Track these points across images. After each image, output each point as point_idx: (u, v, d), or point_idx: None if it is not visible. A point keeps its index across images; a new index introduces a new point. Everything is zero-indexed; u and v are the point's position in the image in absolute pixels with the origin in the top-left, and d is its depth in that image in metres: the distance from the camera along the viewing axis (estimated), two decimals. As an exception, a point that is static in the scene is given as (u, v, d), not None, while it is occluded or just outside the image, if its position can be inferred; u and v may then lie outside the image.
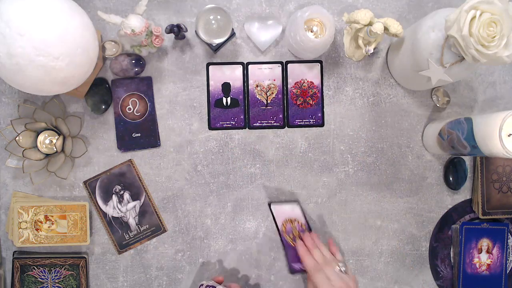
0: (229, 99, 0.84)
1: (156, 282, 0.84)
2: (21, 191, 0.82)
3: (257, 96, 0.84)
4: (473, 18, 0.62)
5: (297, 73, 0.85)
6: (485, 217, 0.85)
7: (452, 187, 0.86)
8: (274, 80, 0.84)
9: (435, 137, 0.81)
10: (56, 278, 0.82)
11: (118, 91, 0.82)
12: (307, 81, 0.85)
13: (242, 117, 0.84)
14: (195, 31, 0.78)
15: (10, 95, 0.82)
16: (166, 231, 0.84)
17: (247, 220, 0.84)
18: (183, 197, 0.84)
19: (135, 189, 0.82)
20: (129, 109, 0.83)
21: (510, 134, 0.65)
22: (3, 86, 0.82)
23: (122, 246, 0.83)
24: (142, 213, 0.83)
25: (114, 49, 0.80)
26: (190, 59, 0.84)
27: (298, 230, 0.82)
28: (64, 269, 0.82)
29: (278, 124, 0.84)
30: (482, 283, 0.85)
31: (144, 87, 0.83)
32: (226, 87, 0.84)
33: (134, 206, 0.83)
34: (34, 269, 0.81)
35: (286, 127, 0.85)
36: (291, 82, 0.84)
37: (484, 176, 0.85)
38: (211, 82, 0.84)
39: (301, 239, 0.80)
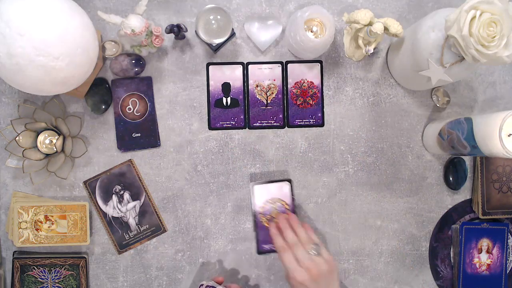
0: (229, 99, 0.84)
1: (156, 282, 0.84)
2: (21, 191, 0.82)
3: (257, 96, 0.84)
4: (473, 18, 0.62)
5: (297, 73, 0.85)
6: (485, 217, 0.85)
7: (452, 187, 0.86)
8: (274, 80, 0.84)
9: (435, 137, 0.81)
10: (56, 278, 0.82)
11: (118, 91, 0.82)
12: (307, 81, 0.85)
13: (242, 117, 0.84)
14: (195, 31, 0.78)
15: (10, 95, 0.82)
16: (166, 231, 0.84)
17: (247, 220, 0.84)
18: (183, 197, 0.84)
19: (135, 189, 0.83)
20: (129, 109, 0.83)
21: (510, 134, 0.65)
22: (3, 86, 0.82)
23: (122, 246, 0.83)
24: (142, 213, 0.83)
25: (114, 49, 0.80)
26: (190, 59, 0.84)
27: (279, 211, 0.81)
28: (64, 269, 0.82)
29: (278, 124, 0.84)
30: (482, 283, 0.85)
31: (144, 87, 0.83)
32: (226, 87, 0.84)
33: (134, 206, 0.83)
34: (34, 269, 0.81)
35: (286, 127, 0.85)
36: (291, 82, 0.84)
37: (484, 176, 0.85)
38: (211, 82, 0.84)
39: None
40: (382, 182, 0.86)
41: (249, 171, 0.84)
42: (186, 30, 0.78)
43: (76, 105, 0.83)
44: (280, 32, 0.83)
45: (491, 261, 0.86)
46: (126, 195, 0.82)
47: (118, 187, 0.82)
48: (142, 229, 0.83)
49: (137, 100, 0.83)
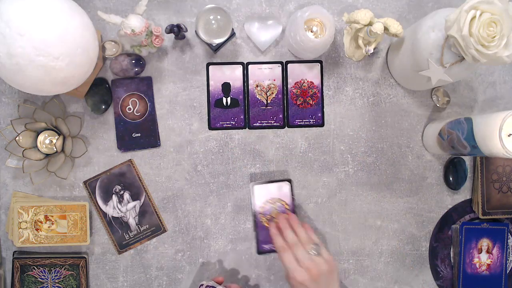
0: (229, 99, 0.84)
1: (156, 282, 0.84)
2: (21, 191, 0.82)
3: (257, 96, 0.84)
4: (473, 18, 0.62)
5: (297, 73, 0.85)
6: (485, 217, 0.85)
7: (452, 187, 0.86)
8: (274, 80, 0.84)
9: (435, 137, 0.81)
10: (56, 278, 0.82)
11: (118, 91, 0.82)
12: (307, 81, 0.85)
13: (242, 117, 0.84)
14: (195, 31, 0.78)
15: (10, 95, 0.82)
16: (166, 231, 0.84)
17: (247, 220, 0.84)
18: (183, 197, 0.84)
19: (135, 189, 0.83)
20: (129, 109, 0.83)
21: (510, 134, 0.65)
22: (3, 86, 0.82)
23: (122, 246, 0.83)
24: (142, 213, 0.83)
25: (114, 49, 0.80)
26: (190, 59, 0.84)
27: (279, 211, 0.81)
28: (64, 269, 0.82)
29: (278, 124, 0.84)
30: (482, 283, 0.85)
31: (144, 87, 0.83)
32: (226, 87, 0.84)
33: (134, 206, 0.83)
34: (34, 269, 0.81)
35: (286, 127, 0.85)
36: (291, 82, 0.84)
37: (484, 176, 0.85)
38: (211, 82, 0.84)
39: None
40: (382, 182, 0.86)
41: (249, 171, 0.84)
42: (186, 30, 0.78)
43: (76, 105, 0.83)
44: (280, 32, 0.83)
45: (491, 261, 0.86)
46: (126, 195, 0.82)
47: (118, 187, 0.82)
48: (142, 229, 0.83)
49: (137, 100, 0.83)
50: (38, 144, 0.80)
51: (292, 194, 0.83)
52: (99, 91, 0.81)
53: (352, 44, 0.81)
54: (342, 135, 0.85)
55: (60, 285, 0.82)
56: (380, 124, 0.86)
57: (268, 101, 0.84)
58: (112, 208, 0.82)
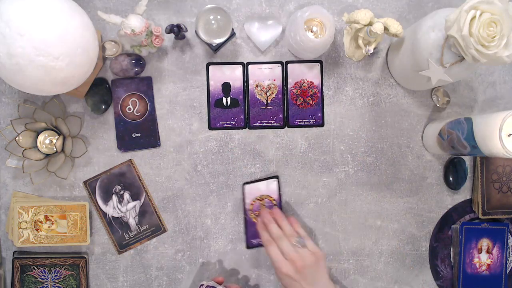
0: (229, 99, 0.84)
1: (156, 282, 0.84)
2: (21, 191, 0.82)
3: (257, 96, 0.84)
4: (473, 18, 0.62)
5: (297, 73, 0.85)
6: (485, 217, 0.85)
7: (452, 187, 0.86)
8: (274, 80, 0.84)
9: (435, 137, 0.81)
10: (56, 278, 0.82)
11: (118, 91, 0.82)
12: (307, 81, 0.85)
13: (242, 117, 0.84)
14: (195, 31, 0.78)
15: (10, 95, 0.82)
16: (166, 231, 0.84)
17: (247, 220, 0.84)
18: (183, 197, 0.84)
19: (135, 189, 0.83)
20: (129, 109, 0.83)
21: (510, 134, 0.65)
22: (3, 86, 0.82)
23: (122, 246, 0.83)
24: (142, 213, 0.83)
25: (114, 49, 0.80)
26: (190, 59, 0.84)
27: (267, 206, 0.82)
28: (64, 269, 0.82)
29: (278, 124, 0.84)
30: (482, 283, 0.85)
31: (144, 87, 0.83)
32: (226, 87, 0.84)
33: (134, 206, 0.83)
34: (34, 269, 0.81)
35: (286, 127, 0.85)
36: (291, 82, 0.84)
37: (484, 176, 0.85)
38: (211, 82, 0.84)
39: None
40: (382, 182, 0.86)
41: (249, 171, 0.84)
42: (186, 30, 0.78)
43: (76, 105, 0.83)
44: (280, 32, 0.83)
45: (491, 261, 0.86)
46: (126, 195, 0.82)
47: (118, 187, 0.82)
48: (142, 229, 0.83)
49: (137, 100, 0.83)
50: (38, 144, 0.80)
51: (279, 190, 0.83)
52: (99, 91, 0.81)
53: (352, 44, 0.81)
54: (342, 135, 0.85)
55: (60, 285, 0.82)
56: (380, 124, 0.86)
57: (268, 101, 0.84)
58: (112, 208, 0.82)
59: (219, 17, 0.77)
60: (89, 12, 0.78)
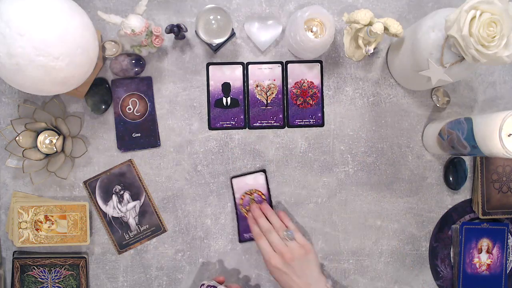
0: (229, 99, 0.84)
1: (156, 282, 0.84)
2: (21, 191, 0.82)
3: (257, 96, 0.84)
4: (473, 18, 0.62)
5: (297, 73, 0.85)
6: (485, 217, 0.85)
7: (452, 187, 0.86)
8: (274, 80, 0.84)
9: (435, 137, 0.81)
10: (56, 278, 0.82)
11: (118, 91, 0.82)
12: (307, 81, 0.85)
13: (242, 117, 0.84)
14: (195, 31, 0.78)
15: (10, 95, 0.82)
16: (166, 231, 0.84)
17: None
18: (183, 197, 0.84)
19: (135, 189, 0.83)
20: (129, 109, 0.83)
21: (510, 134, 0.65)
22: (3, 86, 0.82)
23: (122, 246, 0.83)
24: (142, 213, 0.83)
25: (114, 49, 0.80)
26: (190, 59, 0.84)
27: (256, 201, 0.83)
28: (64, 269, 0.82)
29: (278, 124, 0.84)
30: (482, 283, 0.85)
31: (144, 87, 0.83)
32: (226, 87, 0.84)
33: (134, 206, 0.83)
34: (34, 269, 0.81)
35: (286, 127, 0.85)
36: (291, 82, 0.84)
37: (484, 176, 0.85)
38: (211, 82, 0.84)
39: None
40: (382, 182, 0.86)
41: (249, 171, 0.84)
42: (186, 30, 0.78)
43: (76, 105, 0.83)
44: (280, 32, 0.83)
45: (491, 261, 0.86)
46: (126, 195, 0.82)
47: (118, 187, 0.82)
48: (142, 229, 0.83)
49: (137, 100, 0.83)
50: (38, 144, 0.80)
51: (267, 184, 0.83)
52: (99, 91, 0.81)
53: (352, 44, 0.81)
54: (342, 135, 0.85)
55: (60, 285, 0.82)
56: (380, 124, 0.86)
57: (268, 101, 0.84)
58: (112, 208, 0.82)
59: (219, 17, 0.77)
60: (89, 12, 0.78)
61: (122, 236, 0.82)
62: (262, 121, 0.84)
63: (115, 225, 0.82)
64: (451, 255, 0.87)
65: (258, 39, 0.83)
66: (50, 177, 0.81)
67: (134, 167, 0.82)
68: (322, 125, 0.85)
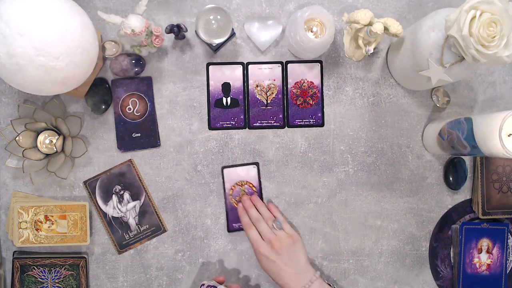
0: (229, 99, 0.84)
1: (156, 282, 0.84)
2: (21, 191, 0.82)
3: (257, 96, 0.84)
4: (473, 18, 0.62)
5: (297, 73, 0.85)
6: (485, 217, 0.85)
7: (452, 187, 0.86)
8: (274, 80, 0.84)
9: (435, 137, 0.81)
10: (56, 278, 0.82)
11: (118, 91, 0.82)
12: (307, 81, 0.85)
13: (242, 117, 0.84)
14: (195, 31, 0.78)
15: (10, 95, 0.82)
16: (166, 231, 0.84)
17: (247, 220, 0.84)
18: (183, 197, 0.84)
19: (135, 189, 0.83)
20: (129, 109, 0.83)
21: (510, 134, 0.65)
22: (3, 86, 0.82)
23: (122, 246, 0.83)
24: (142, 213, 0.83)
25: (114, 49, 0.80)
26: (190, 59, 0.84)
27: (247, 192, 0.83)
28: (64, 269, 0.82)
29: (278, 124, 0.84)
30: (482, 283, 0.85)
31: (144, 87, 0.83)
32: (226, 87, 0.84)
33: (134, 206, 0.83)
34: (34, 269, 0.81)
35: (286, 127, 0.85)
36: (291, 82, 0.85)
37: (484, 176, 0.85)
38: (211, 82, 0.84)
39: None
40: (382, 182, 0.86)
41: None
42: (186, 30, 0.78)
43: (76, 105, 0.83)
44: (280, 32, 0.83)
45: (491, 261, 0.86)
46: (126, 195, 0.82)
47: (118, 187, 0.82)
48: (142, 229, 0.83)
49: (137, 100, 0.83)
50: (38, 144, 0.80)
51: (259, 177, 0.83)
52: (99, 91, 0.81)
53: (352, 44, 0.81)
54: (342, 135, 0.85)
55: (60, 285, 0.82)
56: (380, 124, 0.86)
57: (268, 101, 0.84)
58: (112, 208, 0.82)
59: (219, 17, 0.77)
60: (89, 12, 0.78)
61: (122, 236, 0.82)
62: (262, 121, 0.84)
63: (115, 225, 0.82)
64: (451, 255, 0.87)
65: (258, 39, 0.83)
66: (50, 177, 0.81)
67: (134, 167, 0.82)
68: (322, 125, 0.85)
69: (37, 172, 0.80)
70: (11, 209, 0.81)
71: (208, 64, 0.84)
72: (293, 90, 0.84)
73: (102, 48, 0.80)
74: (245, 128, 0.84)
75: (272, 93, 0.84)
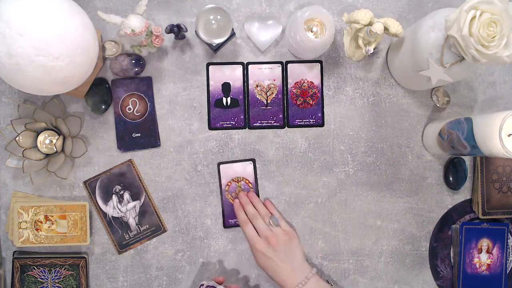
0: (229, 99, 0.84)
1: (156, 282, 0.84)
2: (21, 191, 0.82)
3: (257, 96, 0.84)
4: (473, 18, 0.62)
5: (297, 73, 0.85)
6: (485, 217, 0.85)
7: (452, 187, 0.86)
8: (274, 80, 0.84)
9: (435, 137, 0.81)
10: (56, 278, 0.82)
11: (118, 91, 0.82)
12: (307, 81, 0.85)
13: (242, 117, 0.84)
14: (195, 31, 0.78)
15: (10, 95, 0.82)
16: (166, 231, 0.84)
17: (247, 220, 0.84)
18: (183, 197, 0.84)
19: (135, 189, 0.83)
20: (129, 109, 0.83)
21: (510, 134, 0.65)
22: (3, 86, 0.82)
23: (122, 246, 0.83)
24: (142, 213, 0.83)
25: (114, 49, 0.80)
26: (190, 59, 0.84)
27: (243, 188, 0.83)
28: (64, 269, 0.82)
29: (278, 124, 0.84)
30: (482, 283, 0.85)
31: (144, 87, 0.83)
32: (226, 87, 0.84)
33: (134, 206, 0.83)
34: (34, 269, 0.81)
35: (286, 127, 0.85)
36: (291, 82, 0.85)
37: (484, 176, 0.85)
38: (211, 82, 0.84)
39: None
40: (382, 182, 0.86)
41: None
42: (186, 30, 0.78)
43: (76, 105, 0.83)
44: (280, 32, 0.83)
45: (491, 261, 0.86)
46: (126, 195, 0.82)
47: (118, 187, 0.82)
48: (142, 229, 0.83)
49: (137, 100, 0.83)
50: (38, 144, 0.80)
51: (255, 173, 0.83)
52: (99, 91, 0.81)
53: (352, 44, 0.81)
54: (342, 135, 0.85)
55: (60, 285, 0.82)
56: (380, 124, 0.86)
57: (268, 101, 0.84)
58: (112, 208, 0.82)
59: (219, 17, 0.77)
60: (89, 12, 0.78)
61: (122, 236, 0.82)
62: (262, 121, 0.84)
63: (115, 225, 0.82)
64: (451, 255, 0.87)
65: (258, 39, 0.83)
66: (50, 177, 0.81)
67: (134, 167, 0.82)
68: (322, 125, 0.85)
69: (37, 172, 0.80)
70: (11, 209, 0.81)
71: (208, 64, 0.84)
72: (293, 90, 0.84)
73: (102, 48, 0.80)
74: (245, 128, 0.84)
75: (272, 93, 0.84)
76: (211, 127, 0.84)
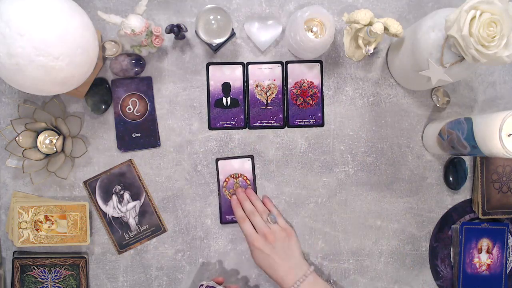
0: (229, 99, 0.84)
1: (156, 282, 0.84)
2: (21, 191, 0.82)
3: (257, 96, 0.84)
4: (473, 18, 0.62)
5: (297, 73, 0.85)
6: (485, 217, 0.85)
7: (452, 187, 0.86)
8: (274, 80, 0.84)
9: (435, 137, 0.81)
10: (56, 278, 0.82)
11: (118, 91, 0.82)
12: (307, 81, 0.85)
13: (242, 117, 0.84)
14: (195, 31, 0.78)
15: (10, 95, 0.82)
16: (166, 231, 0.84)
17: (247, 220, 0.84)
18: (183, 197, 0.84)
19: (135, 189, 0.83)
20: (129, 109, 0.83)
21: (510, 134, 0.65)
22: (3, 86, 0.82)
23: (122, 246, 0.83)
24: (142, 213, 0.83)
25: (114, 49, 0.80)
26: (190, 59, 0.84)
27: (241, 185, 0.83)
28: (64, 269, 0.82)
29: (278, 124, 0.84)
30: (482, 283, 0.85)
31: (144, 87, 0.83)
32: (226, 87, 0.84)
33: (134, 206, 0.83)
34: (34, 269, 0.81)
35: (286, 127, 0.85)
36: (291, 82, 0.85)
37: (484, 176, 0.85)
38: (211, 82, 0.84)
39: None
40: (382, 182, 0.86)
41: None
42: (186, 30, 0.78)
43: (76, 105, 0.83)
44: (280, 32, 0.83)
45: (491, 261, 0.86)
46: (126, 195, 0.82)
47: (118, 187, 0.82)
48: (142, 229, 0.83)
49: (137, 100, 0.83)
50: (38, 144, 0.80)
51: (253, 170, 0.83)
52: (99, 91, 0.81)
53: (352, 44, 0.81)
54: (342, 135, 0.85)
55: (60, 285, 0.82)
56: (380, 124, 0.86)
57: (268, 101, 0.84)
58: (112, 208, 0.82)
59: (219, 17, 0.77)
60: (89, 12, 0.78)
61: (122, 236, 0.82)
62: (262, 121, 0.84)
63: (115, 225, 0.82)
64: (451, 255, 0.87)
65: (258, 39, 0.83)
66: (50, 177, 0.81)
67: (134, 167, 0.83)
68: (322, 125, 0.85)
69: (37, 172, 0.80)
70: (11, 209, 0.81)
71: (208, 64, 0.84)
72: (293, 90, 0.84)
73: (102, 48, 0.80)
74: (245, 128, 0.84)
75: (272, 93, 0.84)
76: (211, 127, 0.84)
